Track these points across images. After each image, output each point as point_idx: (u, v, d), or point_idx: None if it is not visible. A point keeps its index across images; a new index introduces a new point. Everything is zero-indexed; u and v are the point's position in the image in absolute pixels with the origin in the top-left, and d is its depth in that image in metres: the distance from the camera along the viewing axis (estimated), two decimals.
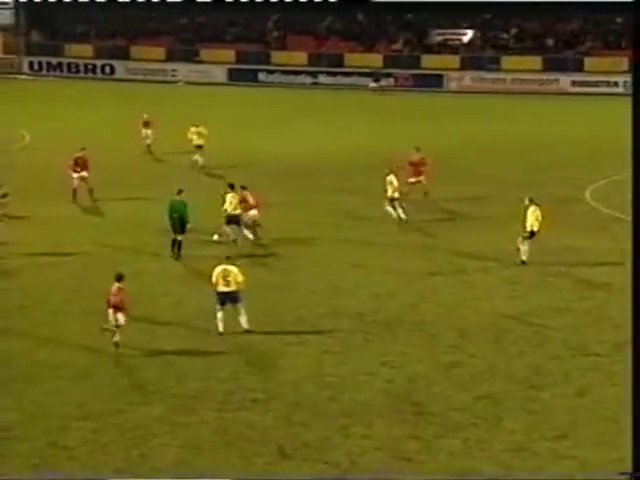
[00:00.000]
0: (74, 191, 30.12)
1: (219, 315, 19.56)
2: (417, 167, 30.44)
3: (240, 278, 19.51)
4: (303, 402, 16.70)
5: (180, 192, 25.05)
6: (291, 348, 19.09)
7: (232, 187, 26.01)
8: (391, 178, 28.00)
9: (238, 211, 25.62)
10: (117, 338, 18.64)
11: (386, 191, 27.91)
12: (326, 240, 26.61)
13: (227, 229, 25.66)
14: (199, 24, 69.31)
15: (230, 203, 25.52)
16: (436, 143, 33.14)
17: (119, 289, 18.89)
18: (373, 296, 22.12)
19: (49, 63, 67.22)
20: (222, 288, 19.46)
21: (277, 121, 47.63)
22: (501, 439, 15.36)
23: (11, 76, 64.80)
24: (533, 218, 23.89)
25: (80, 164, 30.24)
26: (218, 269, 19.64)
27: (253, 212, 25.98)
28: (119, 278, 19.02)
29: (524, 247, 23.96)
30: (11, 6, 68.04)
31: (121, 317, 18.70)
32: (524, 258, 23.94)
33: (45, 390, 17.08)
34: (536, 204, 24.15)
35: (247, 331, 19.53)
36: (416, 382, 17.54)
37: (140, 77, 63.99)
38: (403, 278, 23.34)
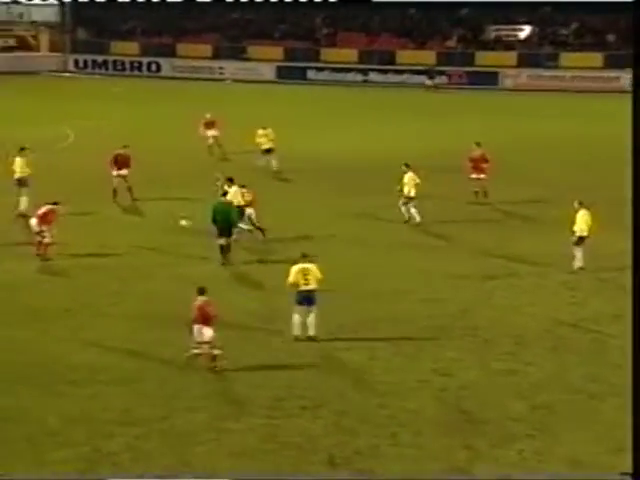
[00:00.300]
0: (114, 190, 30.37)
1: (296, 317, 19.39)
2: (477, 163, 30.44)
3: (319, 276, 19.46)
4: (352, 409, 16.69)
5: (225, 194, 25.13)
6: (340, 354, 19.09)
7: (232, 181, 26.50)
8: (409, 175, 27.97)
9: (243, 203, 26.06)
10: (215, 352, 17.97)
11: (401, 189, 27.82)
12: (374, 243, 26.60)
13: (241, 224, 26.01)
14: (247, 21, 69.64)
15: (235, 197, 25.92)
16: (491, 142, 32.96)
17: (204, 303, 18.30)
18: (424, 301, 22.05)
19: (94, 61, 67.99)
20: (303, 287, 19.36)
21: (327, 120, 47.69)
22: (558, 451, 15.22)
23: (57, 74, 65.64)
24: (582, 222, 23.68)
25: (120, 162, 30.39)
26: (296, 268, 19.53)
27: (249, 210, 26.30)
28: (202, 292, 18.43)
29: (578, 253, 23.74)
30: (57, 4, 68.94)
31: (207, 332, 18.04)
32: (580, 265, 23.71)
33: (88, 394, 17.25)
34: (586, 208, 23.93)
35: (310, 338, 19.39)
36: (469, 390, 17.45)
37: (186, 75, 64.46)
38: (456, 282, 23.24)
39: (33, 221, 25.09)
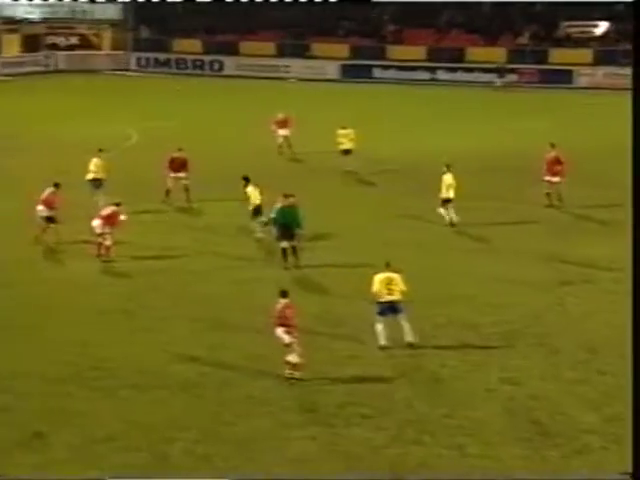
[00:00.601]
0: (167, 191, 30.63)
1: (380, 327, 19.32)
2: (551, 165, 30.22)
3: (403, 286, 19.39)
4: (417, 419, 16.67)
5: (288, 196, 25.25)
6: (404, 361, 19.06)
7: (247, 180, 27.02)
8: (448, 176, 27.83)
9: (258, 201, 26.60)
10: (294, 359, 17.94)
11: (440, 190, 27.77)
12: (442, 246, 26.53)
13: (255, 223, 26.49)
14: (311, 18, 69.78)
15: (253, 195, 26.55)
16: (564, 143, 32.63)
17: (286, 306, 18.24)
18: (492, 306, 21.93)
19: (156, 59, 68.67)
20: (386, 297, 19.28)
21: (392, 119, 47.63)
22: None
23: (118, 72, 66.47)
24: None
25: (177, 164, 30.68)
26: (380, 277, 19.46)
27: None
28: (284, 294, 18.37)
29: None
30: (121, 1, 69.79)
31: (287, 336, 17.96)
32: None
33: (149, 399, 17.48)
34: None
35: (410, 345, 19.30)
36: (539, 400, 17.32)
37: (250, 73, 64.81)
38: (525, 287, 23.07)
39: (96, 222, 25.33)
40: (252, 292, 22.85)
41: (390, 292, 19.32)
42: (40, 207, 26.51)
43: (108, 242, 25.23)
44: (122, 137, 40.57)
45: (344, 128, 35.03)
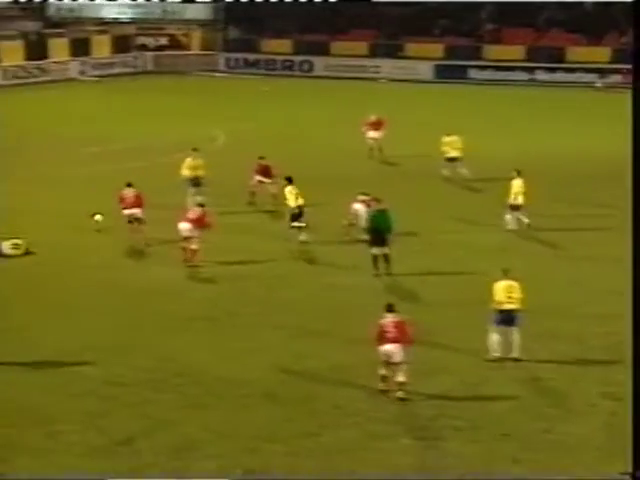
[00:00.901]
0: (252, 193, 30.86)
1: (495, 337, 19.03)
2: None
3: (520, 294, 19.13)
4: (512, 433, 16.39)
5: (378, 200, 25.05)
6: (498, 372, 18.77)
7: (290, 180, 27.12)
8: (517, 182, 27.31)
9: (300, 201, 26.67)
10: (402, 378, 17.40)
11: (508, 196, 27.44)
12: (540, 253, 26.11)
13: (295, 224, 26.60)
14: (405, 17, 69.54)
15: (294, 197, 26.65)
16: None
17: (397, 322, 17.77)
18: (594, 317, 21.52)
19: (245, 60, 69.17)
20: (506, 306, 19.02)
21: (490, 121, 47.14)
22: None
23: (207, 73, 67.13)
24: None
25: (262, 172, 30.88)
26: (501, 284, 19.20)
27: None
28: (390, 308, 17.91)
29: None
30: (211, 1, 70.46)
31: (399, 354, 17.44)
32: None
33: (233, 408, 17.49)
34: None
35: (516, 360, 19.01)
36: None
37: (339, 74, 64.84)
38: (626, 297, 22.47)
39: (184, 225, 25.16)
40: (339, 299, 22.76)
41: (510, 300, 19.07)
42: (130, 210, 26.85)
43: (194, 246, 25.14)
44: (208, 138, 40.87)
45: (448, 135, 34.33)
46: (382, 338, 17.66)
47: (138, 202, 27.01)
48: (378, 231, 24.47)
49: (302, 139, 42.45)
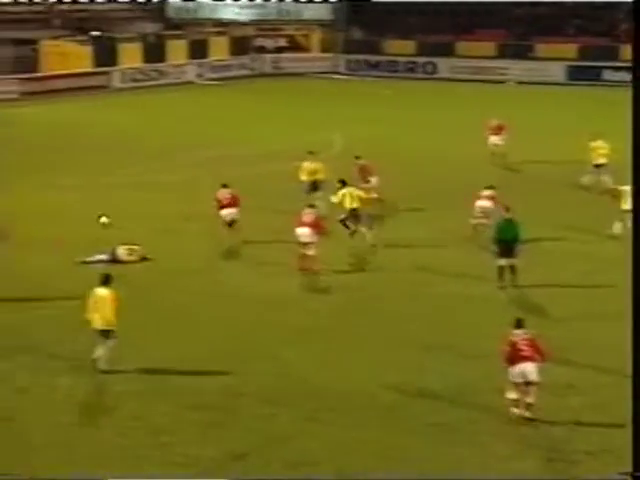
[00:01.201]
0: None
1: None
2: None
3: None
4: None
5: (507, 209, 24.67)
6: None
7: (344, 183, 27.25)
8: (624, 188, 26.45)
9: (355, 205, 26.75)
10: (532, 400, 16.87)
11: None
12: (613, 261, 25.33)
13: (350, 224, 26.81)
14: (537, 15, 68.56)
15: (349, 199, 26.78)
16: None
17: (530, 339, 17.06)
18: None
19: (367, 61, 69.11)
20: None
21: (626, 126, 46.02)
22: None
23: (327, 75, 67.24)
24: None
25: (364, 173, 30.78)
26: None
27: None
28: (519, 324, 17.31)
29: None
30: (333, 1, 70.46)
31: (535, 373, 16.81)
32: None
33: (350, 424, 17.29)
34: None
35: None
36: None
37: (464, 76, 64.26)
38: None
39: (303, 230, 24.78)
40: (458, 311, 22.45)
41: None
42: (226, 210, 27.06)
43: (312, 252, 24.83)
44: (326, 143, 40.88)
45: (594, 140, 33.59)
46: (515, 357, 17.02)
47: (234, 202, 27.22)
48: (506, 241, 24.10)
49: (422, 144, 42.18)
